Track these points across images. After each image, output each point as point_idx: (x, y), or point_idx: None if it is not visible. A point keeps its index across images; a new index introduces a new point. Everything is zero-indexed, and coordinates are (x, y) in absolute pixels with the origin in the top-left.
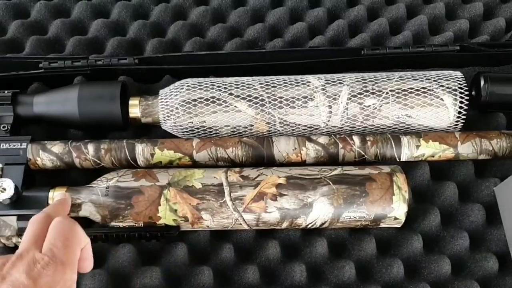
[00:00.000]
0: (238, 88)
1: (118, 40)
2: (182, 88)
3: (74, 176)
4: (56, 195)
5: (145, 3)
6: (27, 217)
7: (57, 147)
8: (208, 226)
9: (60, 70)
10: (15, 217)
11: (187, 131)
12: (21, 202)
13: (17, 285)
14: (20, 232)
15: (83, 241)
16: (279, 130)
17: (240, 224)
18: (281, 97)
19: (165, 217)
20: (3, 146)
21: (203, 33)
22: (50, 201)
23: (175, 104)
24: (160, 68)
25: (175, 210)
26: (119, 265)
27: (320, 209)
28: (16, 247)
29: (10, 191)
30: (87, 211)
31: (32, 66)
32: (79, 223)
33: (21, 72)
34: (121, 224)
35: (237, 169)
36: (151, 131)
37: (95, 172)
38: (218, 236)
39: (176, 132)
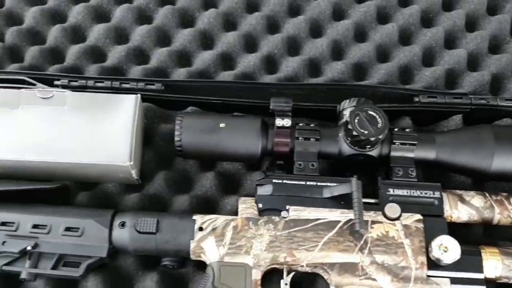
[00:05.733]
0: None
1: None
2: None
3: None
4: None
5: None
6: (462, 281)
7: (476, 200)
8: None
9: (435, 106)
10: (448, 280)
11: None
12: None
13: None
14: None
15: None
16: None
17: None
18: None
19: None
20: (413, 193)
21: None
22: None
23: None
24: None
25: None
26: None
27: None
28: None
29: (455, 253)
30: None
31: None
32: None
33: (394, 104)
34: None
35: None
36: None
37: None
38: None
39: None
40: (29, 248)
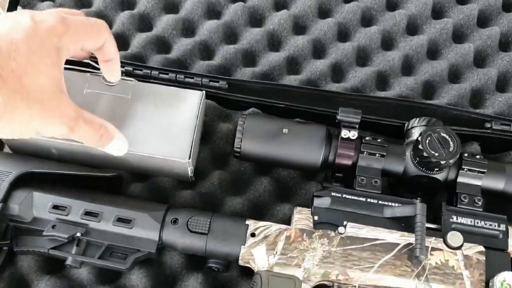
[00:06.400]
0: None
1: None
2: None
3: None
4: None
5: None
6: None
7: None
8: None
9: (508, 134)
10: None
11: None
12: None
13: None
14: None
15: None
16: None
17: None
18: None
19: None
20: (477, 223)
21: None
22: None
23: None
24: None
25: None
26: None
27: None
28: None
29: None
30: None
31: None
32: None
33: (464, 128)
34: None
35: None
36: None
37: None
38: None
39: None
40: (78, 234)
